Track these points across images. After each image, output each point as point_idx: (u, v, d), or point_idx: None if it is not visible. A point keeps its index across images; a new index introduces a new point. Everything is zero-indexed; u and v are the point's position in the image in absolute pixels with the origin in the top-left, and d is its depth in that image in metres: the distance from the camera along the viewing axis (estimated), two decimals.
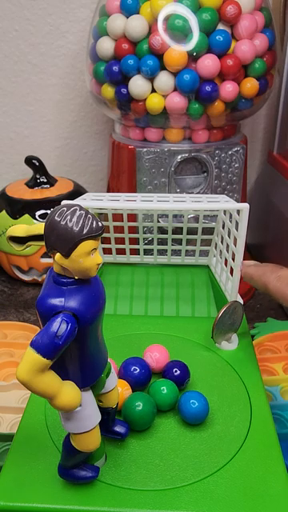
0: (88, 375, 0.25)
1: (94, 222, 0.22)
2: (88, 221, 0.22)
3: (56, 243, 0.22)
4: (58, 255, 0.22)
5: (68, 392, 0.23)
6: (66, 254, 0.22)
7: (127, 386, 0.32)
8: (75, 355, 0.24)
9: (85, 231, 0.22)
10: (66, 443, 0.26)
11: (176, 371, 0.34)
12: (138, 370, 0.33)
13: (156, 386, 0.32)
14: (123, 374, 0.33)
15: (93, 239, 0.22)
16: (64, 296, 0.23)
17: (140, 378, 0.33)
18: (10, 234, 0.25)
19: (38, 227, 0.24)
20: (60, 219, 0.22)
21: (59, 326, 0.22)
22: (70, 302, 0.23)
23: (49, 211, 0.62)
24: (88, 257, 0.22)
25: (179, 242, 0.49)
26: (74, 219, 0.22)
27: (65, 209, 0.22)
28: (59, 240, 0.22)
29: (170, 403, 0.32)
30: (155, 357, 0.35)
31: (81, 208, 0.22)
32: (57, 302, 0.22)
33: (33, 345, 0.22)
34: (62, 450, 0.27)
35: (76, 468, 0.27)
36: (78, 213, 0.22)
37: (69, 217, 0.22)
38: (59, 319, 0.22)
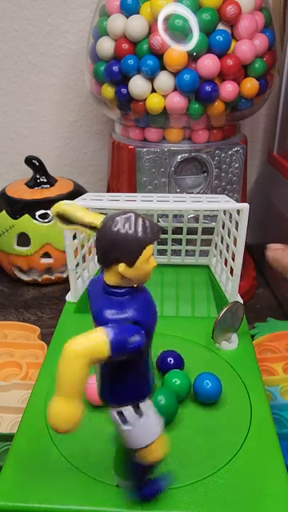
0: (148, 385, 0.24)
1: (153, 225, 0.21)
2: (148, 224, 0.21)
3: (121, 254, 0.21)
4: (122, 266, 0.21)
5: (71, 406, 0.21)
6: (132, 263, 0.21)
7: None
8: (137, 364, 0.23)
9: (150, 236, 0.21)
10: (136, 465, 0.24)
11: (171, 361, 0.35)
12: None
13: (169, 378, 0.33)
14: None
15: (153, 243, 0.21)
16: (126, 308, 0.22)
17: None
18: (60, 212, 0.23)
19: (95, 217, 0.22)
20: (120, 229, 0.21)
21: (133, 334, 0.21)
22: (134, 313, 0.21)
23: (49, 211, 0.62)
24: (148, 261, 0.21)
25: (179, 242, 0.49)
26: (138, 227, 0.21)
27: (118, 218, 0.21)
28: (125, 250, 0.21)
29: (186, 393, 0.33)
30: None
31: (134, 213, 0.21)
32: (120, 315, 0.21)
33: (109, 333, 0.21)
34: (131, 476, 0.25)
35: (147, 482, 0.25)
36: (136, 219, 0.21)
37: (130, 224, 0.21)
38: (135, 329, 0.21)
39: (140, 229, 0.21)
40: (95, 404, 0.32)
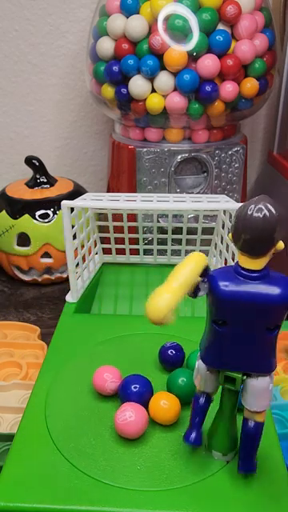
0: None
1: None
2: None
3: (279, 235, 0.22)
4: (281, 244, 0.23)
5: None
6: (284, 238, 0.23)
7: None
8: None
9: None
10: (258, 430, 0.26)
11: (172, 352, 0.35)
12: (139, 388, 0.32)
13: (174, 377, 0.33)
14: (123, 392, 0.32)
15: None
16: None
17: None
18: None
19: (184, 276, 0.24)
20: (267, 214, 0.22)
21: None
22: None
23: (49, 211, 0.62)
24: None
25: (179, 242, 0.49)
26: (273, 207, 0.22)
27: (254, 205, 0.22)
28: (280, 230, 0.22)
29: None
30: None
31: (264, 198, 0.22)
32: None
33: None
34: (254, 443, 0.26)
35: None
36: (267, 201, 0.22)
37: (269, 207, 0.22)
38: None
39: (275, 209, 0.22)
40: (103, 393, 0.32)
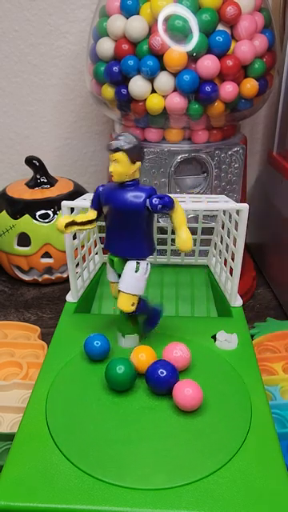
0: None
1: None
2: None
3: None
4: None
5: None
6: None
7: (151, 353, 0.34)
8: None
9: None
10: (142, 309, 0.37)
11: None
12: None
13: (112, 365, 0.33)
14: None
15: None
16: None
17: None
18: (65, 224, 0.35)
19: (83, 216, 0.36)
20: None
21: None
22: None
23: (49, 211, 0.62)
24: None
25: None
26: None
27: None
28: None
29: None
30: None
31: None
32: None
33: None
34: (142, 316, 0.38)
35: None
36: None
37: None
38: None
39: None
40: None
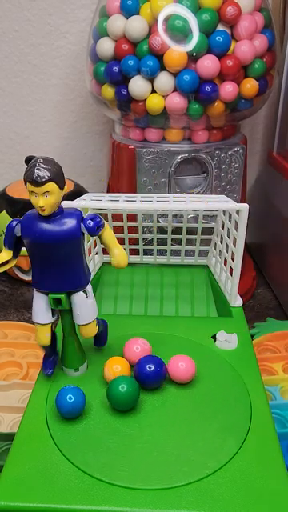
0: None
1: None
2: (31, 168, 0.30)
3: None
4: None
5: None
6: None
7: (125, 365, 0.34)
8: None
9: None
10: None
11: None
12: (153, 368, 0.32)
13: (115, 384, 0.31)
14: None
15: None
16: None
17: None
18: None
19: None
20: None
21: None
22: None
23: None
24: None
25: (179, 242, 0.49)
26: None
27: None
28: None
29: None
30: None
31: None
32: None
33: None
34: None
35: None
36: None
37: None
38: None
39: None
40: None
